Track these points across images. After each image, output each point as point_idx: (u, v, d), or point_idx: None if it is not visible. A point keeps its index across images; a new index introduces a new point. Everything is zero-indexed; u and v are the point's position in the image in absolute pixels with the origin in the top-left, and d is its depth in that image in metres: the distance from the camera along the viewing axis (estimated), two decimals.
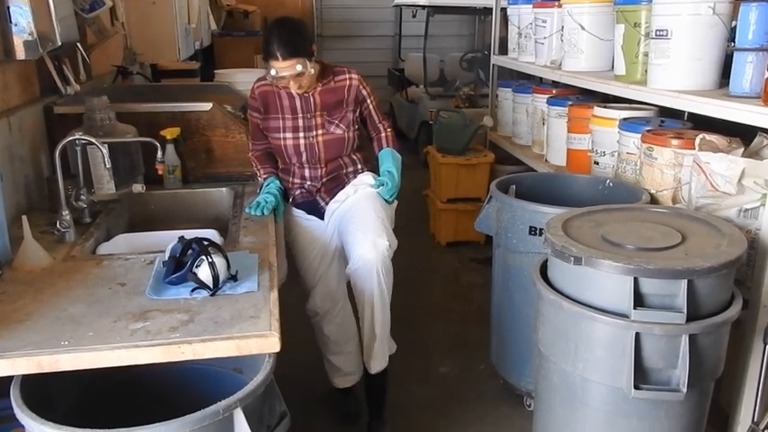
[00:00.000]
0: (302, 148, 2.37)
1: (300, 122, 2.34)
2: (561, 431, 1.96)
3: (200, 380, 1.65)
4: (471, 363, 3.03)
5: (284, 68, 2.16)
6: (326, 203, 2.44)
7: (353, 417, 2.59)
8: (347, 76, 2.38)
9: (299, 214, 2.46)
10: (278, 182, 2.40)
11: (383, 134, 2.51)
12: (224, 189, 2.55)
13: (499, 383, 2.79)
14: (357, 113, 2.42)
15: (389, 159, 2.45)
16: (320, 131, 2.36)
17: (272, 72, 2.18)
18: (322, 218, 2.45)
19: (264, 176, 2.42)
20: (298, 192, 2.45)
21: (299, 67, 2.16)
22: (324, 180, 2.42)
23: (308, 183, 2.43)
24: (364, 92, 2.41)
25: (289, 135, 2.35)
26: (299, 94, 2.31)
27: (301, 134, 2.35)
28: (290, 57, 2.15)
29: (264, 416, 1.45)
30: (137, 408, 1.45)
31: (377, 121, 2.50)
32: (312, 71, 2.22)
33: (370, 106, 2.46)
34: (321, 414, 2.63)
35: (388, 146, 2.49)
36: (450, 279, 4.06)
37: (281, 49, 2.14)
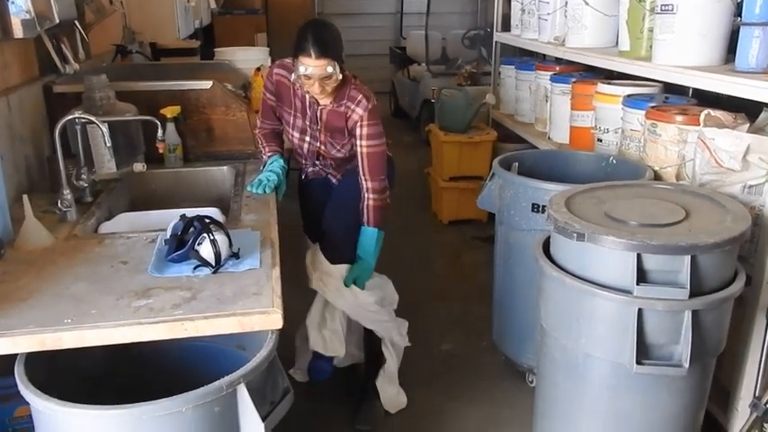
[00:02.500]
0: (306, 151, 2.38)
1: (308, 129, 2.33)
2: (563, 407, 1.98)
3: (203, 357, 1.65)
4: (473, 340, 3.04)
5: (315, 66, 2.07)
6: (338, 180, 2.46)
7: (359, 391, 2.60)
8: (353, 106, 2.21)
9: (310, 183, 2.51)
10: (282, 161, 2.32)
11: (366, 203, 2.27)
12: (225, 168, 2.55)
13: (501, 360, 2.81)
14: None
15: (370, 245, 2.29)
16: (322, 147, 2.35)
17: (301, 69, 2.08)
18: (331, 183, 2.49)
19: (269, 154, 2.35)
20: (310, 170, 2.48)
21: (329, 69, 2.07)
22: (334, 165, 2.44)
23: (319, 166, 2.46)
24: (358, 131, 2.22)
25: (296, 134, 2.36)
26: (311, 102, 2.26)
27: (307, 138, 2.35)
28: (323, 56, 2.07)
29: (267, 392, 1.45)
30: (141, 386, 1.46)
31: (363, 172, 2.25)
32: (340, 76, 2.12)
33: (360, 149, 2.23)
34: (325, 390, 2.64)
35: (368, 224, 2.28)
36: (452, 258, 4.07)
37: (315, 47, 2.06)
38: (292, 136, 2.36)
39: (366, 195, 2.27)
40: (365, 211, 2.28)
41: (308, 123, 2.31)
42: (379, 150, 2.24)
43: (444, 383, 2.73)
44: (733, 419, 2.13)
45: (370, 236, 2.30)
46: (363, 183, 2.26)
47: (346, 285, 2.32)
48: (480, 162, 4.35)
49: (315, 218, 2.47)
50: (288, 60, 2.23)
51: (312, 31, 2.09)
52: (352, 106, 2.21)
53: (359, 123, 2.21)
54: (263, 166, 2.32)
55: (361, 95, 2.21)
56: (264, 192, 2.15)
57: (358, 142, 2.24)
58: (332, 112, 2.25)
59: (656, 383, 1.79)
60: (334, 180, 2.47)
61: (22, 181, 2.25)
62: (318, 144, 2.34)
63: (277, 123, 2.40)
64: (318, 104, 2.25)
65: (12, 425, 1.71)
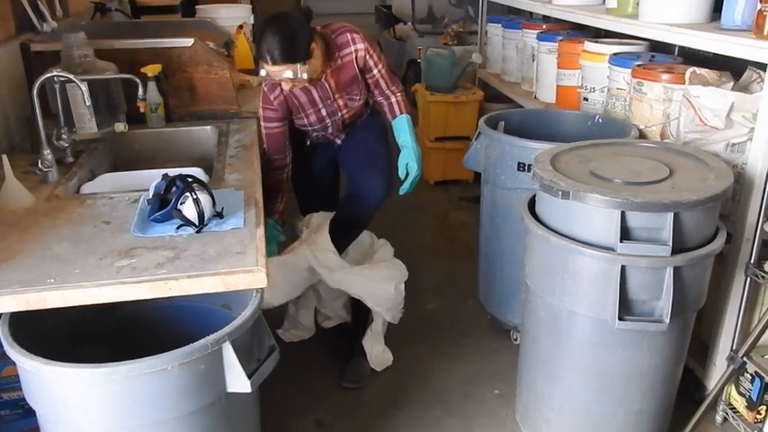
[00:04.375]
0: (330, 130, 2.42)
1: (324, 111, 2.33)
2: (547, 363, 2.01)
3: (189, 317, 1.66)
4: (459, 299, 3.07)
5: (275, 72, 2.09)
6: (342, 141, 2.51)
7: (343, 349, 2.63)
8: (352, 48, 2.25)
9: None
10: (273, 229, 2.31)
11: (393, 99, 2.40)
12: (208, 127, 2.52)
13: (487, 319, 2.84)
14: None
15: (406, 130, 2.34)
16: (344, 111, 2.36)
17: (262, 72, 2.12)
18: (334, 147, 2.53)
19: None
20: (314, 135, 2.50)
21: (288, 74, 2.08)
22: (342, 130, 2.48)
23: (329, 133, 2.48)
24: (371, 61, 2.31)
25: (316, 126, 2.38)
26: (312, 85, 2.25)
27: (327, 121, 2.37)
28: (281, 62, 2.06)
29: (254, 350, 1.46)
30: (128, 347, 1.47)
31: (385, 88, 2.39)
32: (305, 75, 2.10)
33: (377, 75, 2.36)
34: (312, 350, 2.66)
35: (401, 112, 2.39)
36: (438, 218, 4.07)
37: (271, 54, 2.05)
38: (313, 130, 2.38)
39: (393, 98, 2.40)
40: (397, 105, 2.39)
41: (321, 106, 2.30)
42: (386, 64, 2.38)
43: (430, 341, 2.76)
44: (711, 372, 2.18)
45: (406, 121, 2.37)
46: (388, 92, 2.38)
47: (407, 190, 2.34)
48: (467, 122, 4.32)
49: (319, 180, 2.48)
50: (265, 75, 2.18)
51: (269, 34, 2.04)
52: (350, 49, 2.24)
53: (367, 54, 2.28)
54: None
55: (347, 35, 2.24)
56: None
57: (374, 71, 2.33)
58: (335, 71, 2.26)
59: (637, 339, 1.81)
60: (338, 141, 2.49)
61: (2, 141, 2.22)
62: (339, 114, 2.36)
63: (285, 150, 2.37)
64: (320, 80, 2.26)
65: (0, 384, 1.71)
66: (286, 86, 2.18)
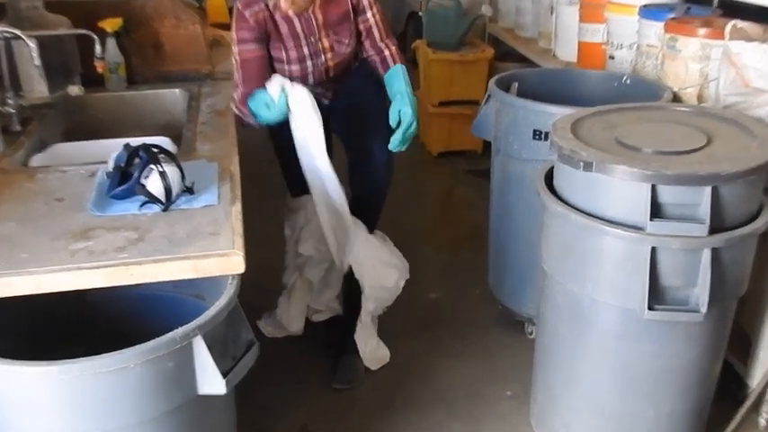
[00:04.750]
0: (310, 78, 2.34)
1: (306, 50, 2.28)
2: (566, 359, 2.01)
3: (156, 309, 1.66)
4: (466, 287, 3.07)
5: None
6: (330, 100, 2.45)
7: (334, 346, 2.63)
8: None
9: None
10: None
11: (387, 53, 2.39)
12: (177, 90, 2.51)
13: (497, 309, 2.84)
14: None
15: (400, 79, 2.31)
16: (329, 55, 2.32)
17: None
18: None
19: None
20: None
21: None
22: (327, 85, 2.43)
23: (310, 83, 2.41)
24: (366, 1, 2.32)
25: (295, 67, 2.30)
26: (297, 15, 2.21)
27: (309, 63, 2.31)
28: None
29: (229, 345, 1.46)
30: (92, 341, 1.46)
31: (379, 40, 2.38)
32: None
33: (371, 20, 2.35)
34: (299, 347, 2.67)
35: (395, 63, 2.38)
36: (442, 194, 4.08)
37: None
38: (290, 72, 2.30)
39: (387, 51, 2.39)
40: (389, 59, 2.38)
41: (303, 42, 2.26)
42: (381, 11, 2.38)
43: (432, 336, 2.76)
44: (753, 369, 2.18)
45: (400, 70, 2.34)
46: (381, 45, 2.38)
47: (399, 145, 2.25)
48: (475, 84, 4.30)
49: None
50: None
51: None
52: None
53: None
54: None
55: None
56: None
57: (368, 14, 2.33)
58: (324, 4, 2.25)
59: (669, 331, 1.81)
60: (325, 101, 2.45)
61: None
62: (323, 57, 2.31)
63: (264, 80, 2.25)
64: (306, 12, 2.23)
65: None
66: (284, 3, 2.13)
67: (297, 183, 2.45)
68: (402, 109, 2.21)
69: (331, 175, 2.25)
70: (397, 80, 2.31)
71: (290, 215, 2.56)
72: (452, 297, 3.03)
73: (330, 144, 2.56)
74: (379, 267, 2.44)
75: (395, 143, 2.21)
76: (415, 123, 2.22)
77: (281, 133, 2.37)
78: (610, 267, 1.77)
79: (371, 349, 2.55)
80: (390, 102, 2.30)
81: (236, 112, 2.26)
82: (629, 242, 1.72)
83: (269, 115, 2.13)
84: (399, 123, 2.21)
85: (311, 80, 2.34)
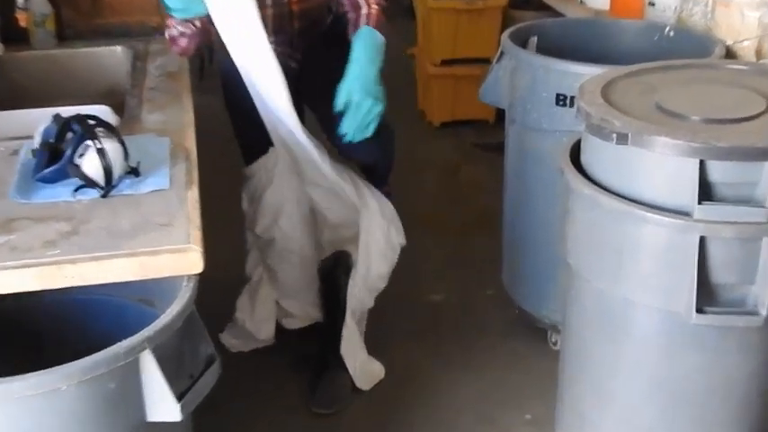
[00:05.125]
0: (270, 25, 2.28)
1: None
2: (597, 374, 2.01)
3: (97, 317, 1.66)
4: (475, 287, 3.08)
5: None
6: (298, 64, 2.45)
7: (314, 359, 2.64)
8: None
9: None
10: None
11: (365, 11, 2.31)
12: (118, 48, 2.51)
13: (513, 314, 2.85)
14: None
15: (363, 44, 2.23)
16: None
17: None
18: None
19: None
20: None
21: None
22: (293, 43, 2.41)
23: (269, 32, 2.37)
24: None
25: None
26: None
27: (268, 2, 2.30)
28: None
29: (185, 361, 1.46)
30: (13, 357, 1.46)
31: None
32: None
33: None
34: (269, 361, 2.67)
35: (367, 24, 2.29)
36: (446, 173, 4.08)
37: None
38: None
39: (364, 9, 2.30)
40: (363, 18, 2.28)
41: None
42: None
43: (435, 347, 2.77)
44: None
45: (368, 34, 2.26)
46: (361, 6, 2.29)
47: (350, 135, 2.22)
48: (485, 38, 4.31)
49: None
50: None
51: None
52: None
53: None
54: None
55: None
56: None
57: None
58: None
59: (722, 337, 1.81)
60: (293, 64, 2.44)
61: None
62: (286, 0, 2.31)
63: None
64: None
65: None
66: None
67: (254, 143, 2.43)
68: (351, 90, 2.18)
69: (295, 122, 2.25)
70: (358, 45, 2.24)
71: (247, 182, 2.54)
72: (459, 299, 3.04)
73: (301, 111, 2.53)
74: (384, 247, 2.45)
75: (349, 130, 2.19)
76: (369, 102, 2.17)
77: (229, 75, 2.34)
78: (649, 262, 1.77)
79: (362, 364, 2.55)
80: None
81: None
82: (673, 230, 1.71)
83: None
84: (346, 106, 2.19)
85: (270, 26, 2.31)
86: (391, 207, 2.53)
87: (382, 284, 2.54)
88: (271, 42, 2.18)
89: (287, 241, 2.49)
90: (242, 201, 2.58)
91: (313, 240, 2.53)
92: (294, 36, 2.39)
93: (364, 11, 2.31)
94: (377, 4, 2.33)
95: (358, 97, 2.15)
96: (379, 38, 2.27)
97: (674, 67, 2.13)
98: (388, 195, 2.56)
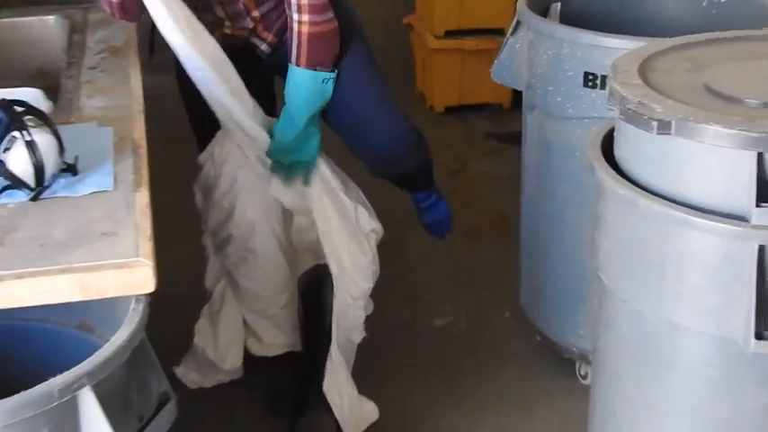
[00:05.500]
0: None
1: None
2: (635, 412, 2.02)
3: (27, 347, 1.67)
4: (487, 309, 3.10)
5: None
6: (270, 48, 2.47)
7: (289, 392, 2.65)
8: None
9: None
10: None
11: (295, 27, 2.28)
12: (51, 18, 2.53)
13: (534, 341, 2.86)
14: None
15: (292, 89, 2.32)
16: None
17: None
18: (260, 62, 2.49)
19: None
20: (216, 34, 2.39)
21: None
22: (259, 25, 2.44)
23: (228, 23, 2.44)
24: None
25: None
26: None
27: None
28: None
29: (133, 400, 1.46)
30: None
31: None
32: None
33: None
34: (235, 398, 2.68)
35: (297, 61, 2.30)
36: (451, 169, 4.09)
37: None
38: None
39: (293, 18, 2.26)
40: (294, 42, 2.28)
41: None
42: None
43: (441, 382, 2.78)
44: None
45: (298, 78, 2.31)
46: (293, 13, 2.26)
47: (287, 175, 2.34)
48: (497, 4, 4.33)
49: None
50: None
51: None
52: None
53: None
54: None
55: None
56: None
57: None
58: None
59: None
60: (263, 47, 2.47)
61: None
62: None
63: None
64: None
65: None
66: None
67: (208, 127, 2.44)
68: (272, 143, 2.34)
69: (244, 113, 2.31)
70: (287, 89, 2.35)
71: (198, 173, 2.55)
72: (468, 323, 3.05)
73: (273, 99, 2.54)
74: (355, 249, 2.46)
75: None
76: (288, 161, 2.35)
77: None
78: (696, 277, 1.78)
79: (351, 403, 2.54)
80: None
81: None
82: (726, 239, 1.72)
83: None
84: None
85: (217, 8, 2.37)
86: (355, 186, 2.55)
87: (365, 284, 2.51)
88: (227, 27, 2.31)
89: (245, 238, 2.48)
90: (195, 194, 2.60)
91: (280, 239, 2.51)
92: (256, 18, 2.42)
93: (296, 27, 2.28)
94: (308, 14, 2.27)
95: (280, 157, 2.34)
96: (312, 77, 2.32)
97: (725, 39, 2.14)
98: (439, 200, 2.67)
